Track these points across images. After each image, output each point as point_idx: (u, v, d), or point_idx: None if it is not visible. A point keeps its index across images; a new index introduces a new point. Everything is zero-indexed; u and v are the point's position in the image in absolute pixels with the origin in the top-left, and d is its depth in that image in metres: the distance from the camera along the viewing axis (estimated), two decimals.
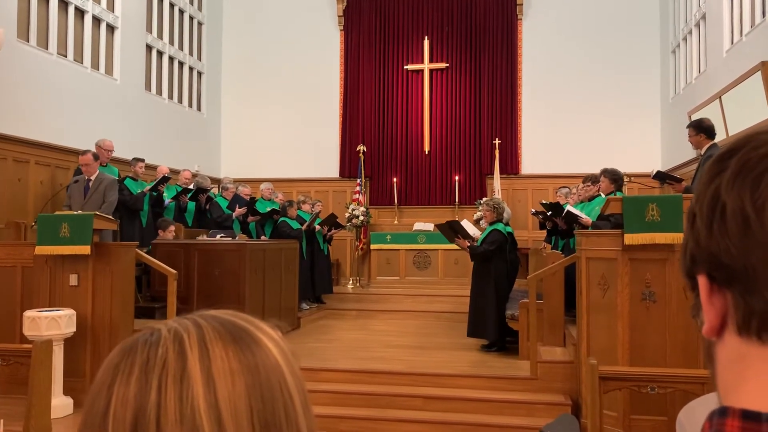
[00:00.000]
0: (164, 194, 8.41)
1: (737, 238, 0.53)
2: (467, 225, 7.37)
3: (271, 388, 0.57)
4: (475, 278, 6.86)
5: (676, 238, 4.57)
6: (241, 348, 0.58)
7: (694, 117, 8.40)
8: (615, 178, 6.40)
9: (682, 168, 9.57)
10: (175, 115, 11.36)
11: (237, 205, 8.92)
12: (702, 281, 0.57)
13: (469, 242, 6.80)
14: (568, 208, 6.65)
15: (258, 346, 0.59)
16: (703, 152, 5.78)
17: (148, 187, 8.04)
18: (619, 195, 6.03)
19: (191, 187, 8.89)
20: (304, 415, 0.59)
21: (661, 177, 5.99)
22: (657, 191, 9.51)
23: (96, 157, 6.67)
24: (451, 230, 6.92)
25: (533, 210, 8.83)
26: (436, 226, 7.41)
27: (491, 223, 6.81)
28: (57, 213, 5.95)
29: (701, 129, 5.76)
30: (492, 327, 6.58)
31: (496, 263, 6.66)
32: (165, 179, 8.19)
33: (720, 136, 8.11)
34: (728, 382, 0.56)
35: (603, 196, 6.47)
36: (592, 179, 7.10)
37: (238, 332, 0.59)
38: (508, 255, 6.80)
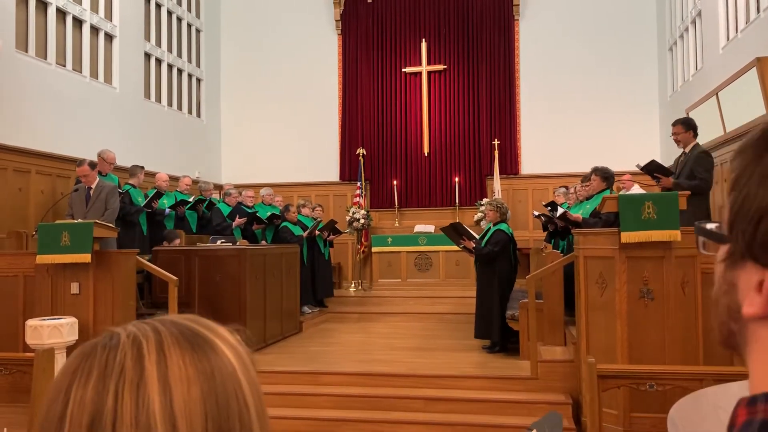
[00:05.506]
0: (164, 202, 8.40)
1: None
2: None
3: (227, 395, 0.59)
4: (481, 279, 6.85)
5: (672, 235, 4.58)
6: (198, 355, 0.59)
7: (692, 114, 8.42)
8: (606, 175, 6.47)
9: None
10: (174, 122, 11.40)
11: (237, 216, 8.91)
12: (758, 271, 0.56)
13: (474, 243, 6.81)
14: (560, 210, 6.70)
15: (215, 352, 0.60)
16: (687, 150, 5.87)
17: (143, 205, 7.99)
18: (606, 193, 6.06)
19: (190, 200, 8.77)
20: (258, 422, 0.60)
21: (649, 170, 5.84)
22: (656, 189, 9.50)
23: (93, 166, 6.68)
24: (456, 232, 6.92)
25: (535, 212, 8.83)
26: (441, 229, 7.40)
27: (495, 224, 6.81)
28: (58, 222, 5.97)
29: (691, 126, 5.89)
30: (497, 328, 6.59)
31: (501, 263, 6.66)
32: (158, 195, 8.16)
33: (717, 132, 8.15)
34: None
35: (595, 194, 6.54)
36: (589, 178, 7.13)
37: (195, 339, 0.61)
38: (511, 255, 6.81)
